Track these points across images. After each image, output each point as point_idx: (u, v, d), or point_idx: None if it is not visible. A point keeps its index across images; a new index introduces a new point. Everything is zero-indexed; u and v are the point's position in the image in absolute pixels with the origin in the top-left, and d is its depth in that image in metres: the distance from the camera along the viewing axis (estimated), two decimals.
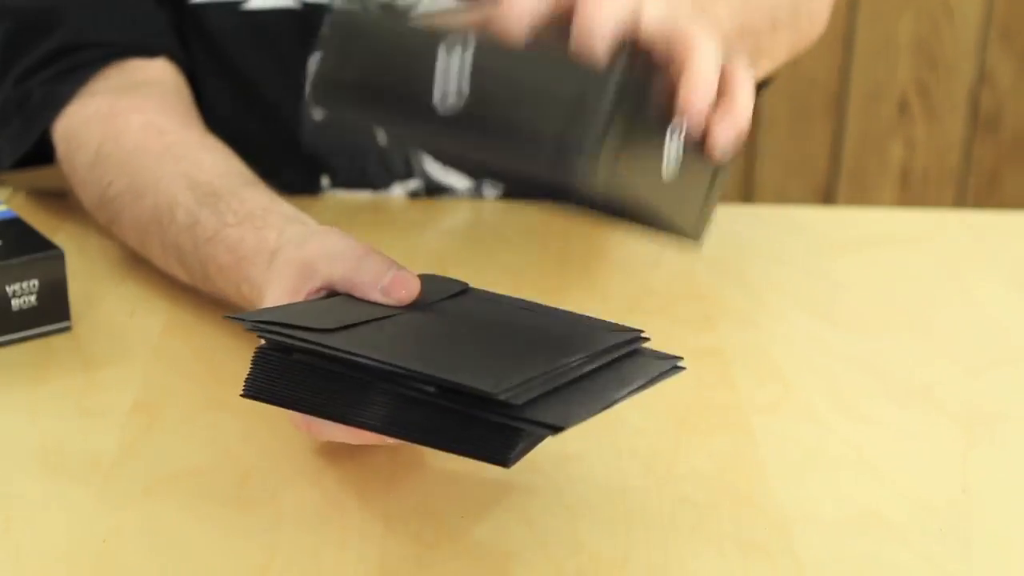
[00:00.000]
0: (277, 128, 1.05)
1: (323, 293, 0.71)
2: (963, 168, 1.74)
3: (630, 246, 0.99)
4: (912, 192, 1.73)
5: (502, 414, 0.60)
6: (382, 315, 0.68)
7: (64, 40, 0.97)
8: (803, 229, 0.92)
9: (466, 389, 0.60)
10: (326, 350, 0.63)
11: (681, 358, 0.70)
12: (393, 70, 0.64)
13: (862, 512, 0.70)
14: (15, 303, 0.82)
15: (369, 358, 0.62)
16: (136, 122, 0.93)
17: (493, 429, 0.61)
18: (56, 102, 0.96)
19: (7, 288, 0.82)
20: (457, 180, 1.08)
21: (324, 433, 0.69)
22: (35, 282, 0.82)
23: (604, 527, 0.68)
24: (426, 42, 0.63)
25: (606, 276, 0.95)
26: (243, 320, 0.66)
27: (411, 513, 0.68)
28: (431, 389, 0.62)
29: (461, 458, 0.72)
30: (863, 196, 1.71)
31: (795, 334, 0.88)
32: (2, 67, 0.99)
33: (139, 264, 0.93)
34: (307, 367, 0.65)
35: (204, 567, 0.64)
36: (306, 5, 1.02)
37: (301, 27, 1.02)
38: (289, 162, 1.06)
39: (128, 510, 0.68)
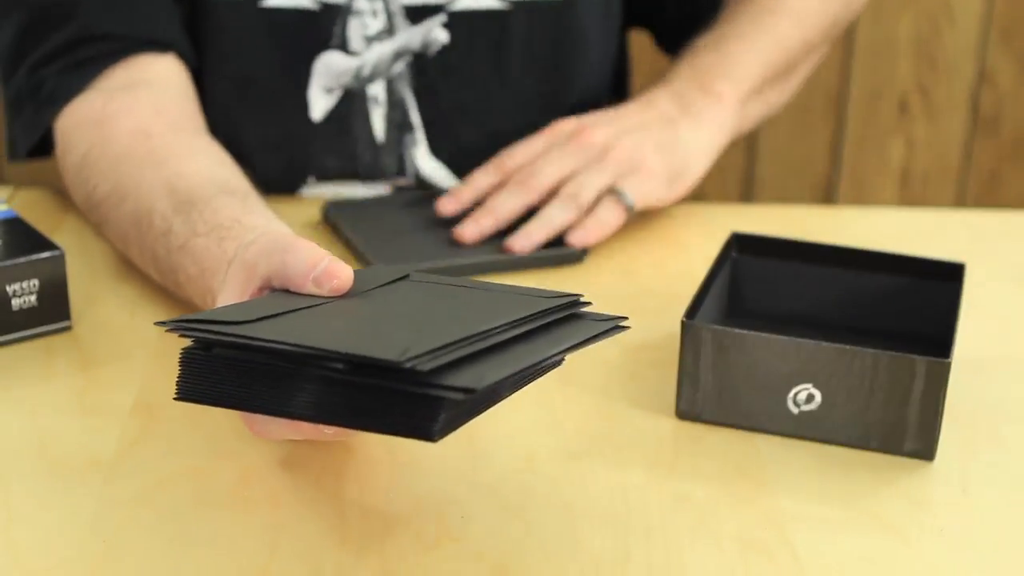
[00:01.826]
0: (274, 125, 1.05)
1: (265, 292, 0.71)
2: (963, 168, 1.74)
3: (630, 246, 0.99)
4: (912, 192, 1.73)
5: (415, 382, 0.59)
6: (310, 304, 0.67)
7: (77, 32, 0.98)
8: (803, 229, 0.91)
9: (371, 361, 0.59)
10: (241, 340, 0.62)
11: (626, 318, 0.69)
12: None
13: (862, 512, 0.70)
14: (15, 303, 0.82)
15: (282, 343, 0.61)
16: (125, 127, 0.93)
17: (413, 402, 0.59)
18: (65, 94, 0.97)
19: (7, 288, 0.82)
20: (444, 179, 1.08)
21: (265, 431, 0.68)
22: (35, 282, 0.82)
23: (604, 527, 0.68)
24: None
25: (606, 276, 0.95)
26: (166, 324, 0.65)
27: (411, 513, 0.68)
28: (340, 366, 0.60)
29: (461, 458, 0.72)
30: (863, 196, 1.71)
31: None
32: (17, 56, 0.99)
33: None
34: (229, 362, 0.64)
35: (204, 567, 0.64)
36: (323, 5, 1.02)
37: (314, 27, 1.03)
38: (281, 159, 1.06)
39: (128, 510, 0.68)
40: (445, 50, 1.05)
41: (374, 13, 1.03)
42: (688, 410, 0.76)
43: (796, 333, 0.74)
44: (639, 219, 1.03)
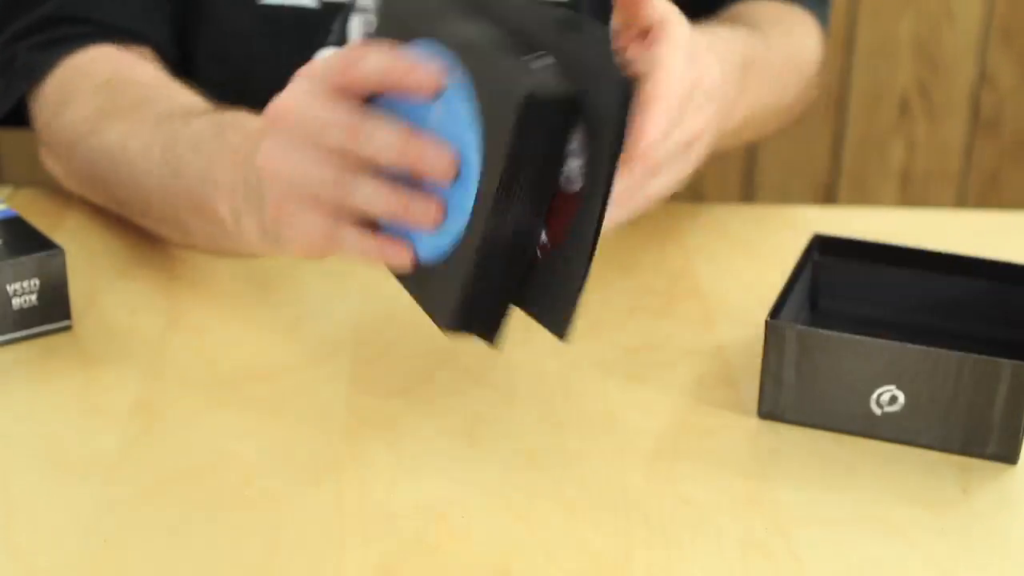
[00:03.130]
0: None
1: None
2: (963, 168, 1.74)
3: (630, 245, 0.99)
4: (912, 192, 1.73)
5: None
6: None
7: (59, 10, 0.99)
8: (803, 229, 0.91)
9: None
10: None
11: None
12: None
13: (862, 512, 0.70)
14: (15, 302, 0.82)
15: None
16: (101, 68, 0.97)
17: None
18: (35, 71, 0.98)
19: (7, 287, 0.82)
20: None
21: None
22: (35, 281, 0.82)
23: (604, 527, 0.68)
24: None
25: (606, 276, 0.95)
26: None
27: (411, 513, 0.68)
28: None
29: (461, 458, 0.73)
30: (863, 196, 1.71)
31: None
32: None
33: (139, 264, 0.93)
34: None
35: (204, 567, 0.64)
36: (324, 4, 1.02)
37: (314, 25, 1.03)
38: None
39: (128, 510, 0.68)
40: None
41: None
42: (771, 410, 0.77)
43: (877, 335, 0.74)
44: (639, 218, 1.03)
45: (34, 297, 0.83)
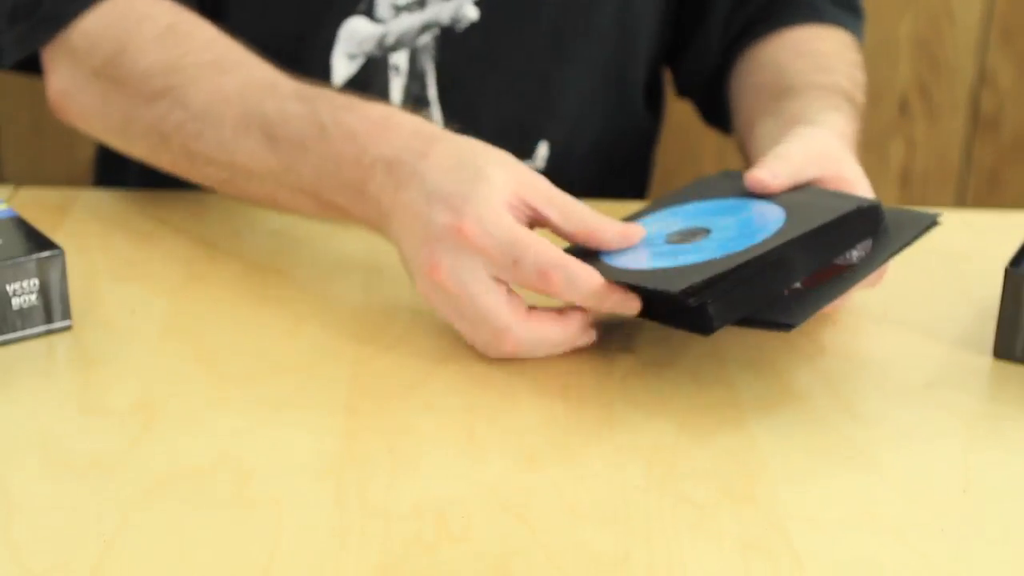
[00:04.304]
0: None
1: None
2: (963, 168, 1.74)
3: None
4: (912, 192, 1.72)
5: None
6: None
7: None
8: None
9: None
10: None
11: (938, 214, 0.87)
12: None
13: (862, 512, 0.70)
14: (15, 302, 0.82)
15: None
16: (191, 12, 0.96)
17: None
18: (59, 19, 0.96)
19: (7, 287, 0.82)
20: None
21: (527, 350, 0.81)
22: (35, 281, 0.82)
23: (604, 527, 0.68)
24: None
25: None
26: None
27: (411, 513, 0.68)
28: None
29: (461, 458, 0.73)
30: None
31: (795, 334, 0.88)
32: None
33: (139, 264, 0.93)
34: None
35: (204, 567, 0.64)
36: None
37: None
38: None
39: (128, 510, 0.68)
40: (473, 28, 1.05)
41: None
42: (1007, 354, 0.84)
43: None
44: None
45: (34, 297, 0.83)
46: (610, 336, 0.85)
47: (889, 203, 0.93)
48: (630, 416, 0.78)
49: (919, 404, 0.80)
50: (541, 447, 0.75)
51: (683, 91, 1.22)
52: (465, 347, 0.83)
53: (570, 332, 0.81)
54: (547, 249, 0.77)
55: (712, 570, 0.65)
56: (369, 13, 1.03)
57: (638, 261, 0.81)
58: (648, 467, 0.73)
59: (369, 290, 0.91)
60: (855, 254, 0.82)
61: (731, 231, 0.82)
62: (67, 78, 0.98)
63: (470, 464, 0.72)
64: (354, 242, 0.97)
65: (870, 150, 1.71)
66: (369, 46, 1.04)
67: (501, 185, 0.78)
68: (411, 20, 1.04)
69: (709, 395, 0.80)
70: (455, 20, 1.04)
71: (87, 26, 0.96)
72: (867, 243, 0.83)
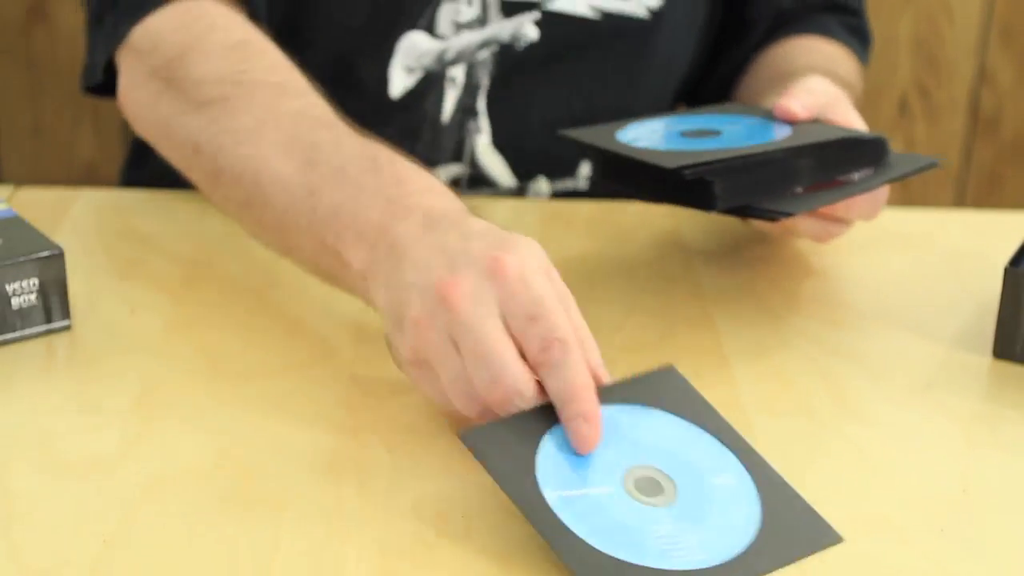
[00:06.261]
0: (353, 100, 0.99)
1: None
2: (963, 168, 1.74)
3: (630, 249, 0.99)
4: (912, 192, 1.73)
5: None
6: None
7: None
8: None
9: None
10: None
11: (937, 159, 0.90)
12: None
13: (863, 512, 0.70)
14: (15, 302, 0.82)
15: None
16: (263, 34, 0.94)
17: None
18: (138, 11, 0.95)
19: (7, 287, 0.82)
20: (502, 174, 1.08)
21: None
22: (35, 281, 0.82)
23: None
24: None
25: (607, 277, 0.95)
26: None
27: (411, 513, 0.68)
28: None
29: (461, 458, 0.73)
30: None
31: (795, 334, 0.88)
32: None
33: (139, 264, 0.93)
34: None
35: (205, 567, 0.64)
36: None
37: (405, 6, 1.03)
38: None
39: (128, 510, 0.68)
40: (532, 47, 1.06)
41: (469, 2, 1.04)
42: (1008, 353, 0.84)
43: None
44: (639, 219, 1.03)
45: (34, 297, 0.83)
46: (610, 336, 0.85)
47: (889, 203, 0.93)
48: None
49: (919, 404, 0.80)
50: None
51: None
52: None
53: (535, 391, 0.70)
54: (565, 324, 0.70)
55: None
56: (429, 29, 1.04)
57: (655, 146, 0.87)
58: None
59: None
60: (856, 178, 0.87)
61: (741, 134, 0.89)
62: (129, 76, 0.97)
63: (470, 464, 0.72)
64: None
65: None
66: (428, 60, 1.05)
67: (542, 254, 0.73)
68: (471, 37, 1.05)
69: (709, 395, 0.80)
70: (515, 38, 1.05)
71: (155, 25, 0.95)
72: (869, 172, 0.88)
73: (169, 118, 0.92)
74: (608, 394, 0.71)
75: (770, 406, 0.79)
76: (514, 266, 0.70)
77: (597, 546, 0.64)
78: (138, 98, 0.95)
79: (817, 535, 0.67)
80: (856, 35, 1.18)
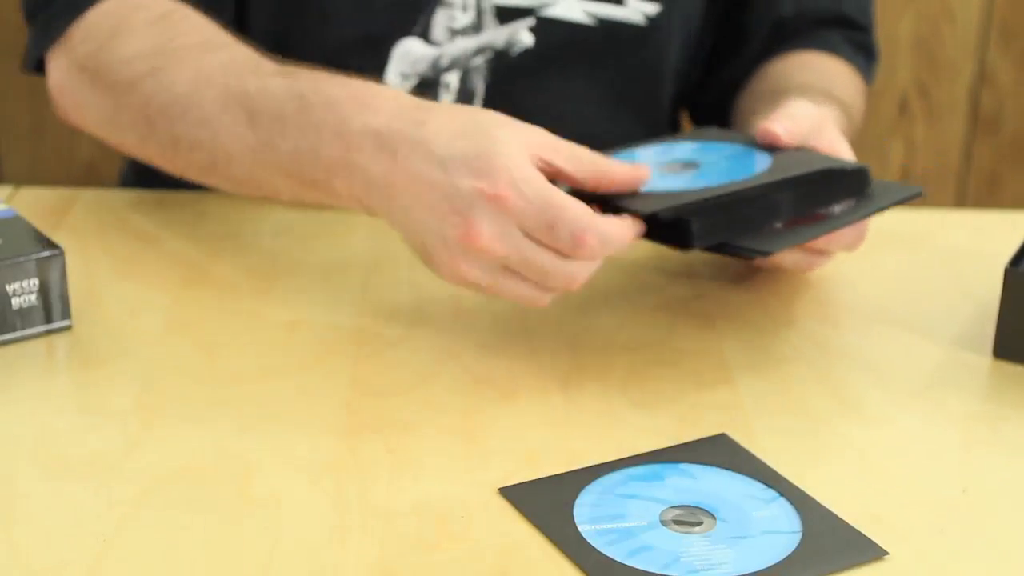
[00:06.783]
0: None
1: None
2: (963, 168, 1.74)
3: (630, 248, 0.99)
4: None
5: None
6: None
7: None
8: None
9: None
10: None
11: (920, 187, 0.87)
12: None
13: (862, 512, 0.70)
14: (15, 302, 0.82)
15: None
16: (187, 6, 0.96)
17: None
18: (79, 6, 0.97)
19: (7, 287, 0.82)
20: None
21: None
22: (35, 281, 0.82)
23: None
24: None
25: (606, 277, 0.95)
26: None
27: (411, 513, 0.68)
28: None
29: (461, 458, 0.73)
30: None
31: (795, 334, 0.88)
32: None
33: (139, 264, 0.93)
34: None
35: (204, 567, 0.64)
36: None
37: (401, 12, 1.03)
38: None
39: (128, 510, 0.68)
40: (527, 53, 1.06)
41: (464, 8, 1.04)
42: (1008, 353, 0.84)
43: None
44: None
45: (34, 297, 0.83)
46: (610, 336, 0.85)
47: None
48: (630, 416, 0.78)
49: (919, 404, 0.80)
50: (541, 447, 0.75)
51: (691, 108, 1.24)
52: (465, 347, 0.83)
53: (624, 228, 0.79)
54: (579, 214, 0.76)
55: None
56: (424, 36, 1.04)
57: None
58: None
59: (369, 290, 0.91)
60: (838, 210, 0.85)
61: (720, 167, 0.87)
62: (59, 72, 0.98)
63: (470, 464, 0.72)
64: (354, 242, 0.97)
65: (870, 150, 1.71)
66: (423, 67, 1.05)
67: (517, 145, 0.77)
68: (466, 44, 1.05)
69: (709, 395, 0.80)
70: (510, 45, 1.05)
71: (88, 20, 0.96)
72: (851, 203, 0.85)
73: (112, 102, 0.94)
74: (656, 456, 0.73)
75: (770, 406, 0.79)
76: (510, 193, 0.75)
77: (619, 559, 0.64)
78: (75, 93, 0.97)
79: (859, 550, 0.66)
80: (862, 52, 1.17)
